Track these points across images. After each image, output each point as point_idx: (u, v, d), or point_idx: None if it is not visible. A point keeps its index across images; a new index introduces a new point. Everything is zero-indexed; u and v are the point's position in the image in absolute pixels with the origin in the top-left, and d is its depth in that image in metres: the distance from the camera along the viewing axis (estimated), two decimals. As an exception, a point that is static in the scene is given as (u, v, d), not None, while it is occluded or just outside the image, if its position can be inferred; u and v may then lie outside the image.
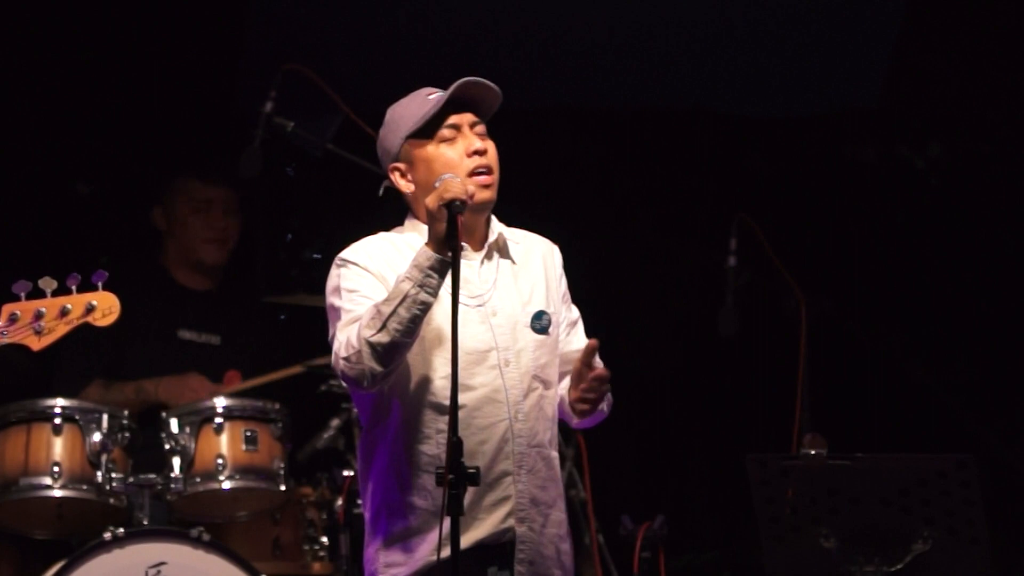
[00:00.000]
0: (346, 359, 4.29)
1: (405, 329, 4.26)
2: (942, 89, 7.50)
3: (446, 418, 4.32)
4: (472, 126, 4.45)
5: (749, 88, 7.45)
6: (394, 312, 4.25)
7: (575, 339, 4.57)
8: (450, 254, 4.27)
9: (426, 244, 4.31)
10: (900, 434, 7.15)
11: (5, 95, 6.88)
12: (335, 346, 4.36)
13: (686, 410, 7.58)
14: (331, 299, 4.43)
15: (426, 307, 4.28)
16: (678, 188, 7.64)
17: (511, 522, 4.40)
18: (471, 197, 4.37)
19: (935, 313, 7.46)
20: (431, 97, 4.47)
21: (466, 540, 4.30)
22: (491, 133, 4.53)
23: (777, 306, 6.03)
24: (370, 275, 4.41)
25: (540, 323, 4.48)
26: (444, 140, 4.45)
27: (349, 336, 4.30)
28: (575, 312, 4.61)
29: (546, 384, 4.48)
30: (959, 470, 4.64)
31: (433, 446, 4.39)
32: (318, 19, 7.07)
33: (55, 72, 6.99)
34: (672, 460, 7.56)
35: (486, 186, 4.42)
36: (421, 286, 4.27)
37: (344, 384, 4.46)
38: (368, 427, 4.49)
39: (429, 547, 4.37)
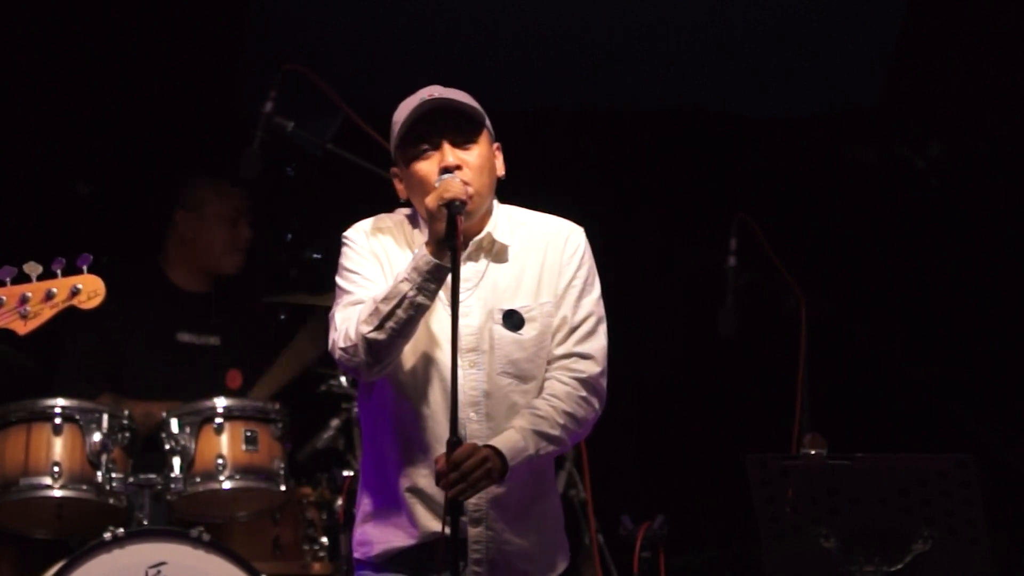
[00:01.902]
0: (343, 350, 4.36)
1: (401, 329, 4.32)
2: (942, 89, 7.50)
3: (418, 406, 4.39)
4: (453, 139, 4.45)
5: (749, 88, 7.45)
6: (392, 312, 4.30)
7: (563, 342, 4.49)
8: (449, 254, 4.29)
9: (426, 244, 4.33)
10: (900, 434, 7.14)
11: (5, 95, 6.88)
12: (332, 331, 4.42)
13: (686, 410, 7.58)
14: (336, 278, 4.51)
15: (423, 309, 4.33)
16: (678, 188, 7.64)
17: (464, 521, 4.38)
18: (471, 197, 4.38)
19: (935, 313, 7.46)
20: (415, 106, 4.47)
21: (421, 534, 4.38)
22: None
23: (777, 306, 6.03)
24: (369, 254, 4.47)
25: (511, 322, 4.46)
26: (421, 155, 4.46)
27: (348, 328, 4.36)
28: (579, 314, 4.51)
29: (522, 379, 4.46)
30: (959, 470, 4.64)
31: (404, 432, 4.42)
32: (318, 19, 7.07)
33: (55, 72, 6.99)
34: (672, 460, 7.56)
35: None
36: (419, 289, 4.30)
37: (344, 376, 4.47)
38: (360, 399, 4.58)
39: (395, 532, 4.43)
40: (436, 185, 4.38)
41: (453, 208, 4.32)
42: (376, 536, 4.47)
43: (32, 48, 6.95)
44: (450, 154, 4.43)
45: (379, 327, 4.30)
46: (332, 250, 4.58)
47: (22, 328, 4.30)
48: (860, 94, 7.48)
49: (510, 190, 4.59)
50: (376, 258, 4.48)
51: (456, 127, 4.45)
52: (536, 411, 4.42)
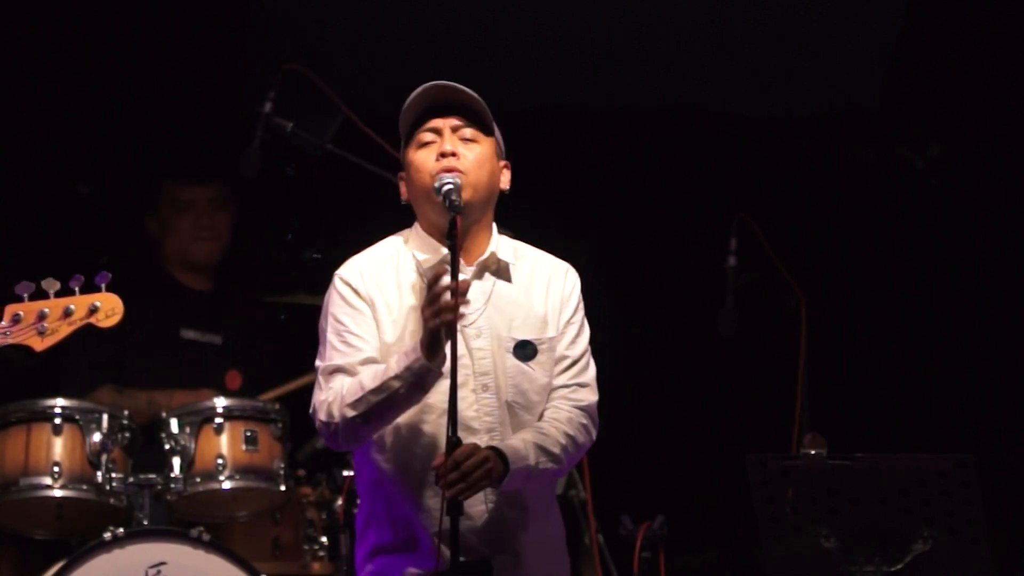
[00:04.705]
0: (324, 424, 4.36)
1: (386, 419, 4.34)
2: (942, 89, 7.50)
3: (431, 435, 4.36)
4: (455, 129, 4.44)
5: (749, 88, 7.45)
6: (378, 405, 4.29)
7: (561, 375, 4.51)
8: (442, 359, 4.25)
9: (420, 344, 4.27)
10: (900, 434, 7.15)
11: (5, 95, 6.88)
12: (316, 391, 4.40)
13: (686, 410, 7.58)
14: (324, 321, 4.46)
15: (410, 405, 4.32)
16: (678, 188, 7.64)
17: (482, 548, 4.40)
18: (465, 176, 4.34)
19: (935, 313, 7.46)
20: (424, 88, 4.48)
21: (444, 561, 4.31)
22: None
23: (777, 306, 6.03)
24: (360, 302, 4.42)
25: (524, 352, 4.46)
26: (423, 144, 4.45)
27: (331, 406, 4.33)
28: (578, 349, 4.54)
29: (528, 409, 4.46)
30: (959, 470, 4.64)
31: (419, 462, 4.40)
32: (318, 19, 7.08)
33: (55, 72, 6.99)
34: (672, 460, 7.56)
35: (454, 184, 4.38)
36: (410, 389, 4.28)
37: None
38: None
39: (411, 561, 4.41)
40: (435, 186, 4.37)
41: (452, 206, 4.31)
42: (387, 568, 4.44)
43: (32, 48, 6.95)
44: (449, 142, 4.42)
45: (363, 417, 4.30)
46: (332, 250, 4.57)
47: (39, 344, 4.31)
48: (860, 94, 7.49)
49: (511, 190, 4.58)
50: (370, 301, 4.43)
51: (461, 119, 4.44)
52: (540, 428, 4.44)
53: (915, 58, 7.42)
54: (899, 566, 4.73)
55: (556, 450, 4.41)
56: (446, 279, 4.23)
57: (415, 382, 4.27)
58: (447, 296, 4.19)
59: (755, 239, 6.02)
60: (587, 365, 4.55)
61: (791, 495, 4.77)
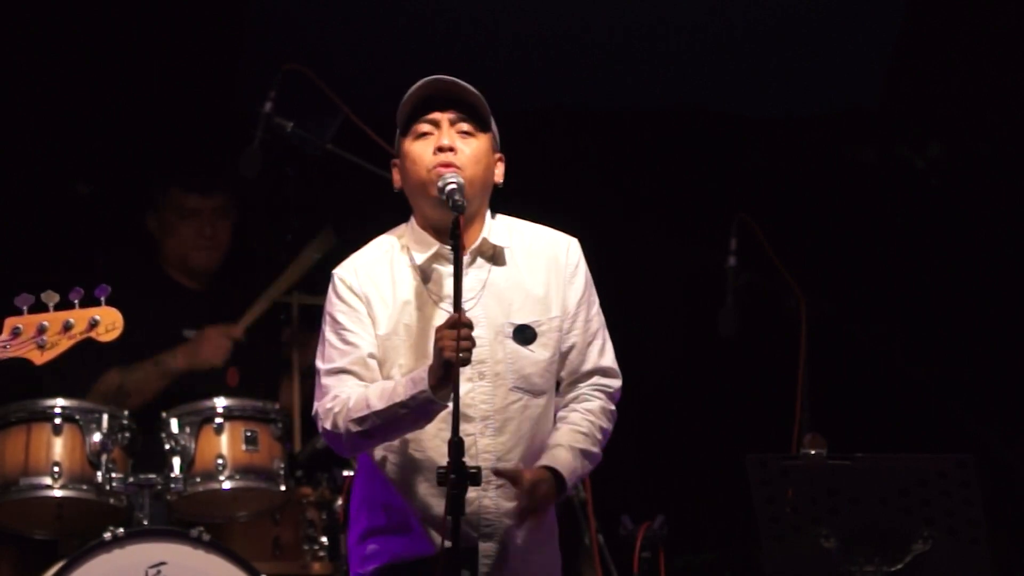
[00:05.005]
0: (327, 431, 4.39)
1: (391, 438, 4.37)
2: (942, 89, 7.50)
3: (436, 422, 4.35)
4: (453, 123, 4.44)
5: (749, 88, 7.45)
6: (383, 426, 4.31)
7: (583, 360, 4.52)
8: (445, 391, 4.25)
9: (430, 372, 4.28)
10: (900, 434, 7.14)
11: (5, 95, 6.88)
12: (317, 397, 4.41)
13: (686, 410, 7.57)
14: (324, 320, 4.48)
15: (419, 428, 4.34)
16: (678, 188, 7.64)
17: (474, 536, 4.40)
18: (464, 173, 4.35)
19: (935, 313, 7.46)
20: (425, 82, 4.47)
21: (435, 548, 4.34)
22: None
23: (777, 306, 6.03)
24: (356, 300, 4.43)
25: (523, 336, 4.45)
26: (420, 135, 4.45)
27: (336, 416, 4.35)
28: (592, 327, 4.53)
29: (533, 393, 4.45)
30: (959, 470, 4.64)
31: (419, 449, 4.41)
32: (318, 19, 7.08)
33: (55, 72, 6.99)
34: (672, 460, 7.56)
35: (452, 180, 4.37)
36: (416, 416, 4.30)
37: None
38: None
39: (403, 544, 4.42)
40: (439, 185, 4.37)
41: (455, 205, 4.31)
42: (380, 550, 4.46)
43: (32, 48, 6.95)
44: (447, 135, 4.42)
45: (368, 434, 4.33)
46: (332, 250, 4.57)
47: (39, 358, 4.31)
48: (860, 94, 7.49)
49: (510, 190, 4.59)
50: (365, 298, 4.43)
51: (459, 113, 4.44)
52: (578, 428, 4.46)
53: (915, 58, 7.42)
54: (899, 566, 4.74)
55: (595, 448, 4.47)
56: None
57: (419, 411, 4.29)
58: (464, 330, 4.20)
59: (755, 239, 6.02)
60: (604, 344, 4.56)
61: (791, 495, 4.76)
